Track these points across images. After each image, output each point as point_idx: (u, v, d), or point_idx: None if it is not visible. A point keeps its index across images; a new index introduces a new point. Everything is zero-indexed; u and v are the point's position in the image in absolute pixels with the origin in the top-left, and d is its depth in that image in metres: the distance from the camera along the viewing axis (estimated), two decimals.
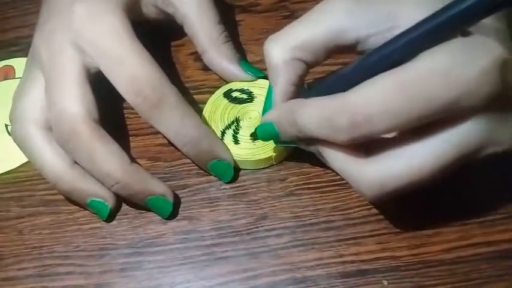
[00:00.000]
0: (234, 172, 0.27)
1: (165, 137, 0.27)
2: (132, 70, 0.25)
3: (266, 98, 0.26)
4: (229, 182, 0.28)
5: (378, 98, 0.20)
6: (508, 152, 0.21)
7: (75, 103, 0.25)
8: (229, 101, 0.29)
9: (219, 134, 0.28)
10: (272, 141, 0.27)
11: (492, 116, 0.20)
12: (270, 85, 0.26)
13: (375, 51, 0.22)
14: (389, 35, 0.22)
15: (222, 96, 0.30)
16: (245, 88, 0.30)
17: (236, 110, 0.29)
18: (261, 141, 0.28)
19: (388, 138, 0.22)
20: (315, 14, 0.24)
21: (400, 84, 0.20)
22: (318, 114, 0.22)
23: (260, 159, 0.27)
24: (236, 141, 0.28)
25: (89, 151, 0.25)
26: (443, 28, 0.20)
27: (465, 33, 0.21)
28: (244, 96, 0.30)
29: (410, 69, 0.20)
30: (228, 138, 0.28)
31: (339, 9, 0.23)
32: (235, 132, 0.28)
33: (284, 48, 0.24)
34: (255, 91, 0.30)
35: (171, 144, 0.28)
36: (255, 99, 0.29)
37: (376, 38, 0.23)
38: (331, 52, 0.24)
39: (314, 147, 0.24)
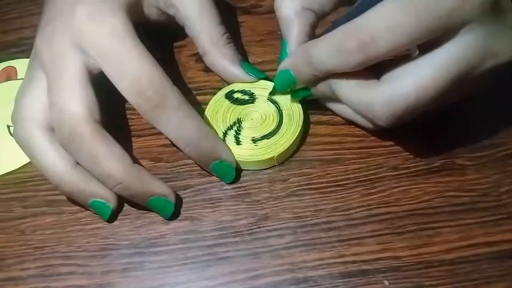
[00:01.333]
0: (236, 173, 0.28)
1: (167, 138, 0.27)
2: (134, 71, 0.25)
3: (281, 52, 0.28)
4: (231, 183, 0.28)
5: (381, 19, 0.22)
6: (507, 64, 0.23)
7: (77, 104, 0.26)
8: (231, 102, 0.29)
9: (221, 135, 0.28)
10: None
11: (489, 28, 0.22)
12: (283, 40, 0.27)
13: None
14: None
15: (224, 97, 0.30)
16: (247, 89, 0.30)
17: (238, 111, 0.29)
18: (263, 142, 0.28)
19: (395, 60, 0.23)
20: None
21: (400, 3, 0.21)
22: (328, 44, 0.23)
23: (262, 160, 0.28)
24: (238, 142, 0.28)
25: (90, 152, 0.25)
26: None
27: None
28: (246, 97, 0.30)
29: None
30: (230, 139, 0.28)
31: None
32: (237, 133, 0.28)
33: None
34: (257, 92, 0.30)
35: (173, 145, 0.28)
36: (256, 100, 0.30)
37: None
38: (336, 2, 0.26)
39: (328, 87, 0.25)
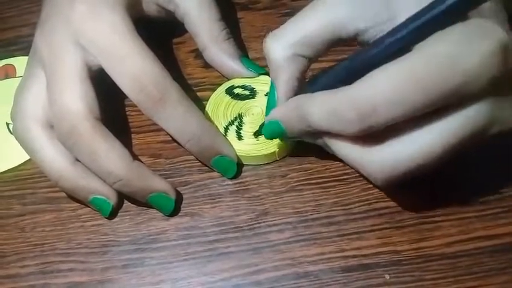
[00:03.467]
0: (237, 168, 0.27)
1: (168, 134, 0.27)
2: (134, 67, 0.25)
3: (269, 96, 0.26)
4: (233, 178, 0.28)
5: (383, 88, 0.20)
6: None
7: (77, 100, 0.25)
8: (232, 98, 0.29)
9: (222, 131, 0.28)
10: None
11: (496, 97, 0.21)
12: (272, 82, 0.26)
13: (375, 42, 0.22)
14: (388, 26, 0.22)
15: (224, 92, 0.30)
16: (247, 84, 0.30)
17: (239, 106, 0.29)
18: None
19: (396, 124, 0.22)
20: (313, 9, 0.24)
21: (404, 73, 0.20)
22: (325, 109, 0.22)
23: (263, 155, 0.27)
24: (240, 137, 0.28)
25: (90, 148, 0.25)
26: (443, 16, 0.20)
27: (465, 18, 0.21)
28: (247, 92, 0.30)
29: (413, 58, 0.20)
30: (232, 135, 0.28)
31: (338, 3, 0.23)
32: (239, 128, 0.28)
33: (284, 44, 0.24)
34: (257, 87, 0.30)
35: (172, 141, 0.28)
36: (257, 95, 0.30)
37: (375, 29, 0.23)
38: (331, 45, 0.24)
39: (321, 140, 0.24)
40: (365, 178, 0.26)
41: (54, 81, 0.26)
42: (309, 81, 0.26)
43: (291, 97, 0.25)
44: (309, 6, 0.24)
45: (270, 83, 0.29)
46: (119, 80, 0.26)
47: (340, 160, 0.27)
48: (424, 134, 0.21)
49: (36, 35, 0.28)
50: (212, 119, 0.29)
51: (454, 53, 0.20)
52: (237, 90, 0.30)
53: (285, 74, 0.25)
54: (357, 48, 0.25)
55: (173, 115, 0.25)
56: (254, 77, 0.30)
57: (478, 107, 0.21)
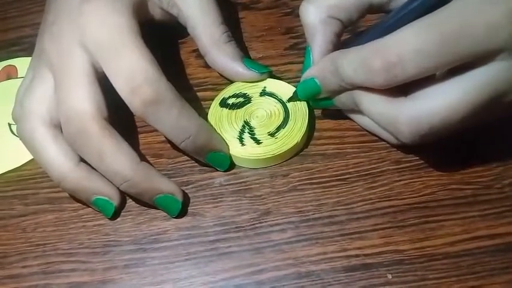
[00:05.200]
0: (230, 161, 0.28)
1: (161, 134, 0.27)
2: (129, 67, 0.25)
3: (305, 59, 0.27)
4: (226, 170, 0.28)
5: (410, 41, 0.21)
6: None
7: (85, 101, 0.25)
8: (229, 109, 0.29)
9: (237, 142, 0.28)
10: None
11: None
12: (307, 47, 0.27)
13: (406, 4, 0.24)
14: None
15: (219, 106, 0.29)
16: (237, 92, 0.30)
17: (240, 114, 0.29)
18: (281, 133, 0.28)
19: (423, 79, 0.23)
20: None
21: (432, 27, 0.21)
22: (355, 60, 0.23)
23: (289, 149, 0.27)
24: (258, 142, 0.28)
25: (98, 149, 0.25)
26: None
27: None
28: (241, 99, 0.30)
29: (440, 14, 0.21)
30: (249, 142, 0.28)
31: None
32: (251, 133, 0.28)
33: (320, 7, 0.26)
34: (248, 91, 0.30)
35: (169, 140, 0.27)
36: (252, 98, 0.29)
37: None
38: (364, 11, 0.26)
39: (351, 99, 0.25)
40: (386, 141, 0.26)
41: (63, 83, 0.26)
42: (343, 43, 0.27)
43: None
44: None
45: (306, 48, 0.28)
46: (113, 79, 0.26)
47: (342, 159, 0.27)
48: (447, 89, 0.22)
49: (44, 37, 0.28)
50: (221, 134, 0.28)
51: (478, 6, 0.21)
52: (230, 101, 0.30)
53: (321, 36, 0.26)
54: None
55: (167, 116, 0.25)
56: (257, 78, 0.30)
57: (501, 64, 0.21)
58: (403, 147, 0.27)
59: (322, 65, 0.25)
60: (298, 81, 0.30)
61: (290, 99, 0.29)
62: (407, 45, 0.21)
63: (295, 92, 0.28)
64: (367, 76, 0.23)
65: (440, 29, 0.21)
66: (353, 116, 0.27)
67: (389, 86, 0.22)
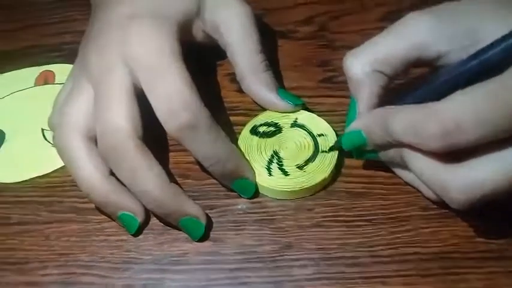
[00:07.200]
0: (255, 189, 0.28)
1: (192, 155, 0.27)
2: (168, 88, 0.26)
3: (349, 110, 0.27)
4: (251, 198, 0.28)
5: (469, 108, 0.21)
6: None
7: (123, 118, 0.26)
8: (260, 137, 0.29)
9: (265, 171, 0.28)
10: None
11: None
12: (352, 98, 0.27)
13: (459, 64, 0.23)
14: (471, 50, 0.23)
15: (250, 133, 0.30)
16: (269, 121, 0.30)
17: (270, 143, 0.29)
18: (310, 166, 0.28)
19: (478, 146, 0.22)
20: (397, 29, 0.25)
21: (491, 94, 0.21)
22: (409, 120, 0.23)
23: (316, 183, 0.27)
24: (285, 173, 0.28)
25: (131, 167, 0.26)
26: None
27: None
28: (272, 128, 0.30)
29: (502, 81, 0.21)
30: (276, 172, 0.28)
31: (422, 25, 0.25)
32: (280, 164, 0.28)
33: (365, 61, 0.26)
34: (280, 121, 0.30)
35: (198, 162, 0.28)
36: (283, 128, 0.30)
37: (457, 53, 0.24)
38: (411, 65, 0.26)
39: (398, 155, 0.24)
40: (430, 200, 0.26)
41: (102, 98, 0.27)
42: (392, 99, 0.27)
43: None
44: (392, 27, 0.26)
45: (350, 100, 0.28)
46: (152, 99, 0.26)
47: (369, 199, 0.27)
48: (504, 158, 0.21)
49: (88, 47, 0.29)
50: (249, 161, 0.28)
51: None
52: (261, 129, 0.30)
53: (366, 89, 0.26)
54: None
55: (201, 141, 0.26)
56: (291, 110, 0.30)
57: None
58: None
59: (371, 120, 0.25)
60: (330, 115, 0.30)
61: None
62: (466, 112, 0.21)
63: (337, 142, 0.28)
64: (419, 138, 0.22)
65: (500, 98, 0.21)
66: (397, 170, 0.27)
67: (443, 152, 0.22)
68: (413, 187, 0.27)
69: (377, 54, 0.25)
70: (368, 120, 0.25)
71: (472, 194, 0.22)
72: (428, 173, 0.23)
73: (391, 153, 0.25)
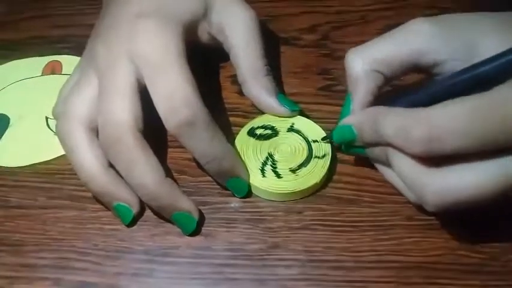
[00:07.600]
0: (248, 189, 0.29)
1: (189, 152, 0.28)
2: (170, 85, 0.27)
3: (344, 105, 0.28)
4: (243, 197, 0.29)
5: (454, 119, 0.22)
6: None
7: (125, 112, 0.27)
8: (256, 139, 0.30)
9: (259, 172, 0.29)
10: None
11: None
12: (347, 94, 0.28)
13: (455, 74, 0.24)
14: (469, 62, 0.24)
15: (247, 135, 0.30)
16: (266, 124, 0.31)
17: (266, 146, 0.30)
18: (303, 171, 0.29)
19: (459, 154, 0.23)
20: (399, 33, 0.26)
21: (475, 110, 0.21)
22: (398, 123, 0.23)
23: (307, 187, 0.28)
24: (278, 176, 0.29)
25: (129, 159, 0.26)
26: None
27: None
28: (269, 131, 0.31)
29: (489, 97, 0.22)
30: (270, 174, 0.29)
31: (424, 32, 0.26)
32: (274, 167, 0.29)
33: (365, 60, 0.27)
34: (277, 124, 0.31)
35: (194, 159, 0.28)
36: (279, 132, 0.31)
37: (454, 63, 0.25)
38: (408, 70, 0.27)
39: (384, 154, 0.25)
40: (411, 203, 0.27)
41: (106, 90, 0.28)
42: (386, 100, 0.27)
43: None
44: (395, 30, 0.27)
45: (346, 95, 0.29)
46: (154, 95, 0.27)
47: (357, 206, 0.28)
48: (481, 169, 0.22)
49: (98, 40, 0.30)
50: (244, 162, 0.29)
51: None
52: (258, 131, 0.31)
53: (363, 87, 0.27)
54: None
55: (199, 138, 0.27)
56: (288, 115, 0.31)
57: None
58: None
59: (363, 117, 0.26)
60: (326, 122, 0.31)
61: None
62: (451, 123, 0.21)
63: (330, 134, 0.29)
64: (405, 142, 0.23)
65: (484, 116, 0.21)
66: (380, 168, 0.28)
67: (425, 157, 0.23)
68: (394, 186, 0.27)
69: (377, 55, 0.26)
70: (360, 118, 0.26)
71: (445, 199, 0.23)
72: (409, 174, 0.24)
73: (377, 151, 0.26)
